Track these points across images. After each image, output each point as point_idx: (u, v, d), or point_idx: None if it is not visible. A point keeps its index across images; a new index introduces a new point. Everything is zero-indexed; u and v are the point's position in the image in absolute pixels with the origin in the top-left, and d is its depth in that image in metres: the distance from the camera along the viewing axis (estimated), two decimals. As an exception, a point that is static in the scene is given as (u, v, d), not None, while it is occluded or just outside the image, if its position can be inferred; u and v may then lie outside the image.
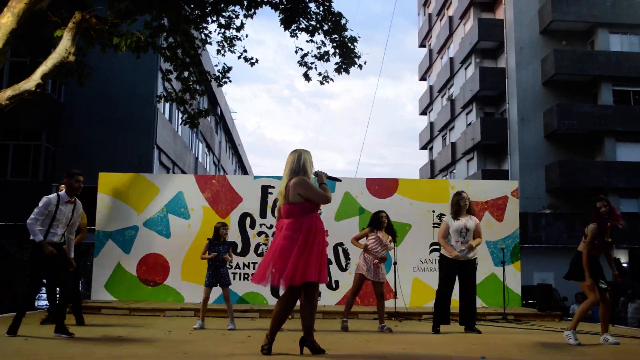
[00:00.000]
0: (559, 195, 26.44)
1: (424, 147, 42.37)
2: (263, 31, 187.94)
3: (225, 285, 8.10)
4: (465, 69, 33.47)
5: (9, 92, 8.26)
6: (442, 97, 38.39)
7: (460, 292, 7.80)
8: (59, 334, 6.50)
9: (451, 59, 35.73)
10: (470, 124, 32.20)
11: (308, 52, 13.10)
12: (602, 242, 6.69)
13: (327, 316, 9.81)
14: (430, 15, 41.19)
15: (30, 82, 8.34)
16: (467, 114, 33.12)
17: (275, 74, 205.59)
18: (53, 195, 6.66)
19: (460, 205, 7.80)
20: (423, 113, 43.12)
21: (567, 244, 23.52)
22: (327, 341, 5.92)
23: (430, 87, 40.91)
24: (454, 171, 34.86)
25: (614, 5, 27.60)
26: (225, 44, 13.45)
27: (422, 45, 43.86)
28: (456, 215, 7.80)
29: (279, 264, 5.19)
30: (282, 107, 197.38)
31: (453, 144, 34.63)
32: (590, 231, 6.71)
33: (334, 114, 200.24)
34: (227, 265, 8.27)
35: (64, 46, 8.65)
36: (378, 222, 8.33)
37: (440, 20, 38.87)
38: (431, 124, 40.37)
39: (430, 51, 41.18)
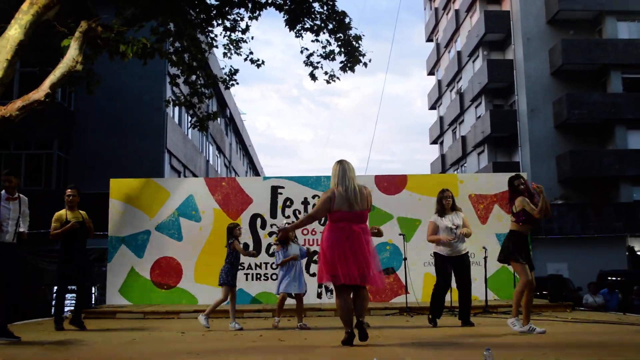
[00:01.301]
0: (571, 186, 26.32)
1: (434, 142, 42.34)
2: (270, 32, 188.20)
3: (235, 285, 8.20)
4: (473, 62, 33.39)
5: (19, 102, 8.38)
6: (450, 91, 38.33)
7: (457, 287, 7.91)
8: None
9: (459, 53, 35.67)
10: (479, 117, 32.13)
11: (313, 52, 13.21)
12: (529, 216, 6.81)
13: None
14: (436, 9, 41.12)
15: (40, 92, 8.45)
16: (476, 107, 33.05)
17: (284, 74, 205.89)
18: None
19: (443, 204, 7.97)
20: (432, 108, 43.09)
21: (581, 234, 23.45)
22: (337, 337, 5.99)
23: (439, 82, 40.86)
24: (465, 165, 34.78)
25: (621, -7, 27.38)
26: (231, 47, 13.56)
27: (429, 39, 43.81)
28: (441, 213, 7.96)
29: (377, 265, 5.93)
30: (292, 107, 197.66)
31: (463, 138, 34.57)
32: (519, 202, 6.85)
33: (344, 112, 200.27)
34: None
35: (71, 55, 8.76)
36: None
37: (447, 14, 38.79)
38: (441, 118, 40.32)
39: (438, 45, 41.12)
